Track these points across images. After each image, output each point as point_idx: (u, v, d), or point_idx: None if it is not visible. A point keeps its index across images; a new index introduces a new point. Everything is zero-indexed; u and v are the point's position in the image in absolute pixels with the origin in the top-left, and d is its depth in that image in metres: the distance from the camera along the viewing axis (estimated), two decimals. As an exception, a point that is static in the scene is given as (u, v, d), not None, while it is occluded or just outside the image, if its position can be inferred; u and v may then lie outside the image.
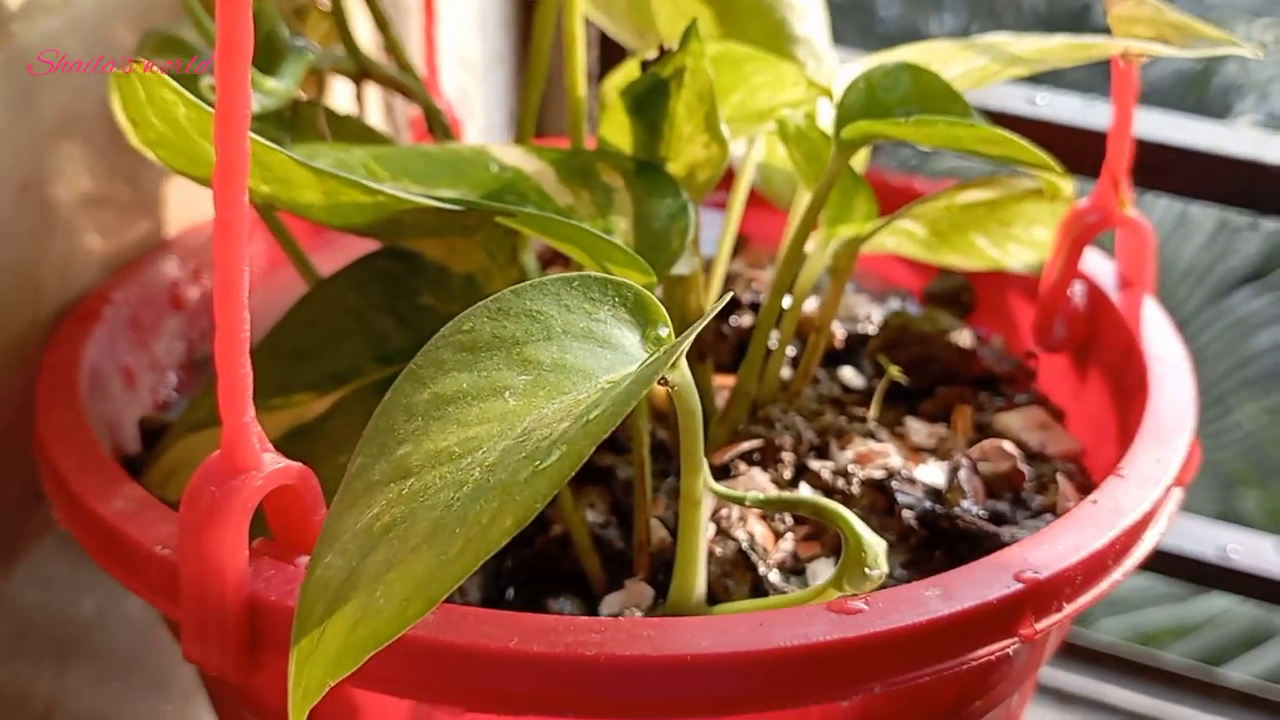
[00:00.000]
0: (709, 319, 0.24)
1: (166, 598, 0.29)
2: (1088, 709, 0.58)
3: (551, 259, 0.47)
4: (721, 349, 0.44)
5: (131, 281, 0.41)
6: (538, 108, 0.42)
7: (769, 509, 0.33)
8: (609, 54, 0.59)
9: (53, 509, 0.33)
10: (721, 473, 0.36)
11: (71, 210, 0.41)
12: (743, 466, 0.36)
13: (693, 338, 0.24)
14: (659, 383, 0.26)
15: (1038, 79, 0.44)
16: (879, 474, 0.36)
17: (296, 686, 0.23)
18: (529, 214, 0.32)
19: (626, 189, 0.36)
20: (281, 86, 0.36)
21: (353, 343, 0.35)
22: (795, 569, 0.34)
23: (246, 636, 0.27)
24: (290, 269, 0.40)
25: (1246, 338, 1.67)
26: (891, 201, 0.42)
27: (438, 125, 0.42)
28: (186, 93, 0.29)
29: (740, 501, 0.31)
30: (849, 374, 0.42)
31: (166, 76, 0.28)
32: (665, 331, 0.27)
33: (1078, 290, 0.41)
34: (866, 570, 0.29)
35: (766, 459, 0.37)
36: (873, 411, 0.39)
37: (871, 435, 0.38)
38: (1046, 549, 0.29)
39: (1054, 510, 0.35)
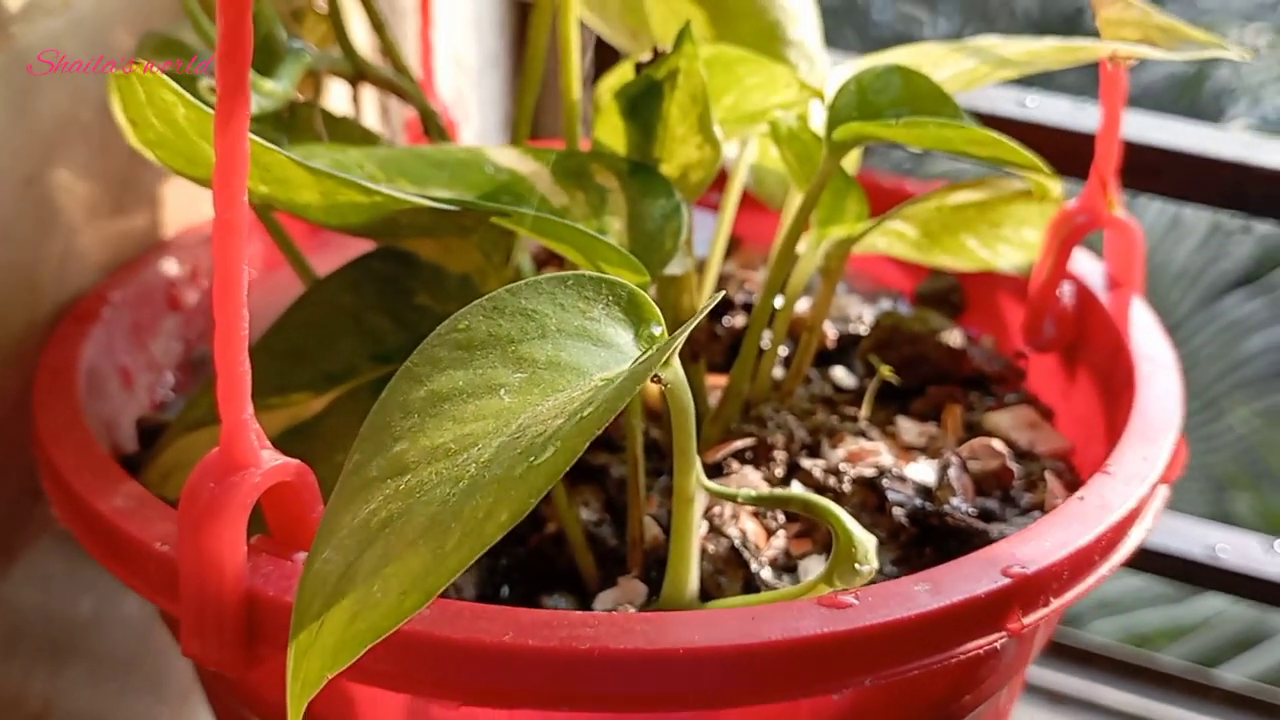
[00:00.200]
0: (701, 317, 0.25)
1: (165, 594, 0.29)
2: (1080, 710, 0.59)
3: (546, 259, 0.47)
4: (714, 349, 0.44)
5: (129, 282, 0.42)
6: (533, 110, 0.42)
7: (761, 506, 0.34)
8: (603, 57, 0.60)
9: (52, 507, 0.34)
10: (714, 471, 0.36)
11: (70, 210, 0.41)
12: (735, 465, 0.37)
13: (685, 336, 0.25)
14: (652, 381, 0.26)
15: (1028, 81, 0.44)
16: (870, 472, 0.36)
17: (295, 680, 0.23)
18: (524, 215, 0.32)
19: (621, 190, 0.37)
20: (279, 88, 0.37)
21: (349, 342, 0.36)
22: (787, 566, 0.34)
23: (244, 632, 0.27)
24: (287, 269, 0.40)
25: (1239, 341, 1.67)
26: (883, 203, 0.42)
27: (433, 127, 0.43)
28: (186, 93, 0.29)
29: (732, 498, 0.31)
30: (841, 373, 0.43)
31: (166, 77, 0.29)
32: (658, 330, 0.28)
33: (1067, 290, 0.42)
34: (857, 566, 0.29)
35: (759, 457, 0.37)
36: (864, 411, 0.40)
37: (863, 434, 0.39)
38: (1034, 545, 0.30)
39: (1043, 508, 0.36)
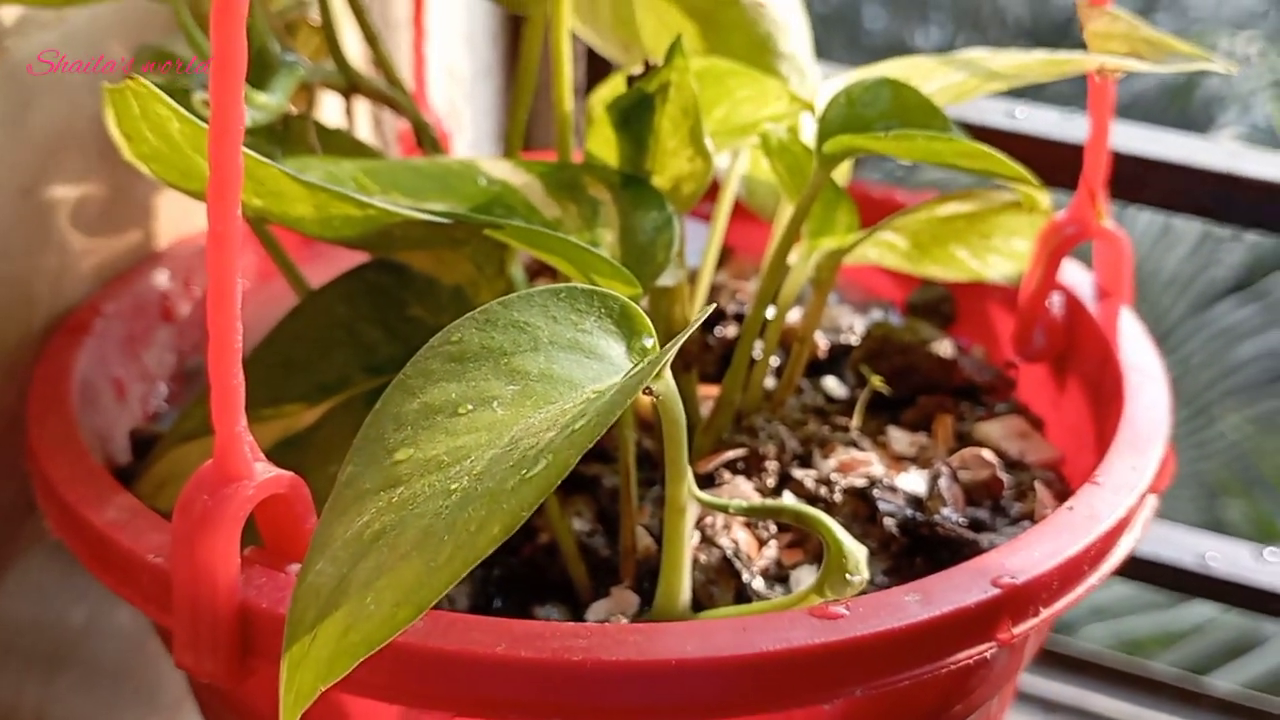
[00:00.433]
0: (693, 329, 0.25)
1: (159, 606, 0.29)
2: (1072, 717, 0.59)
3: (538, 270, 0.48)
4: (706, 359, 0.44)
5: (122, 293, 0.42)
6: (525, 122, 0.43)
7: (753, 517, 0.34)
8: (595, 69, 0.60)
9: (45, 519, 0.34)
10: (706, 481, 0.37)
11: (64, 223, 0.41)
12: (727, 475, 0.37)
13: (677, 348, 0.25)
14: (644, 392, 0.26)
15: (1017, 92, 0.45)
16: (861, 482, 0.36)
17: (288, 692, 0.23)
18: (517, 227, 0.32)
19: (613, 202, 0.37)
20: (273, 101, 0.37)
21: (342, 354, 0.36)
22: (779, 576, 0.34)
23: (238, 644, 0.27)
24: (280, 281, 0.40)
25: (1230, 348, 1.68)
26: (874, 214, 0.42)
27: (426, 139, 0.43)
28: (180, 108, 0.29)
29: (724, 509, 0.32)
30: (832, 384, 0.43)
31: (160, 91, 0.29)
32: (650, 342, 0.28)
33: (1056, 301, 0.42)
34: (848, 576, 0.29)
35: (750, 468, 0.37)
36: (855, 421, 0.40)
37: (854, 444, 0.39)
38: (1024, 555, 0.30)
39: (1032, 517, 0.36)
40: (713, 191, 0.43)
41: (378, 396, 0.35)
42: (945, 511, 0.35)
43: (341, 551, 0.24)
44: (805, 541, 0.35)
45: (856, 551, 0.30)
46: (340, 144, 0.41)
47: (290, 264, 0.40)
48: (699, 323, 0.25)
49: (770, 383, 0.42)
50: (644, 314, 0.28)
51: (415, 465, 0.25)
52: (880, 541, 0.35)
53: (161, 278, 0.43)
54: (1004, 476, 0.37)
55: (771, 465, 0.37)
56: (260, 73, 0.41)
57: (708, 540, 0.34)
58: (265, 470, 0.28)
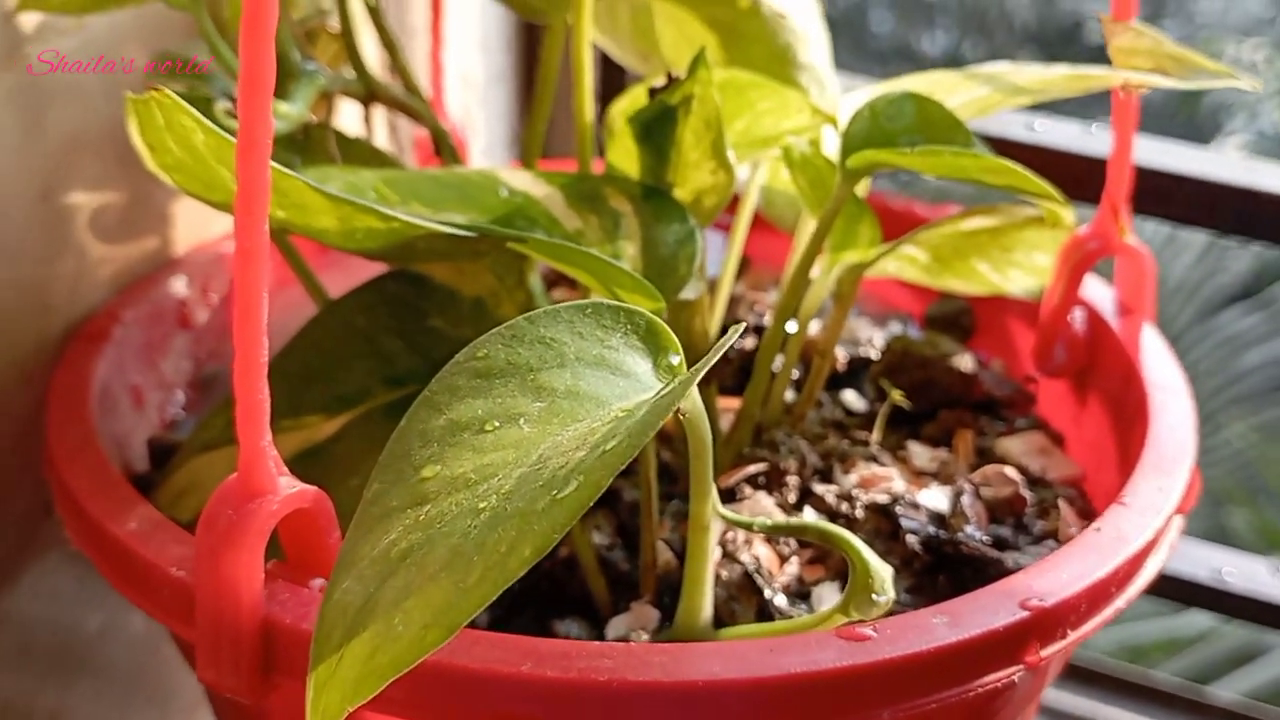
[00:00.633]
0: (721, 354, 0.25)
1: (181, 620, 0.29)
2: (1077, 727, 0.59)
3: (555, 280, 0.47)
4: (725, 371, 0.44)
5: (140, 300, 0.42)
6: (544, 132, 0.43)
7: (777, 534, 0.34)
8: (610, 75, 0.60)
9: (65, 529, 0.34)
10: (727, 496, 0.36)
11: (81, 228, 0.41)
12: (748, 490, 0.37)
13: (705, 371, 0.25)
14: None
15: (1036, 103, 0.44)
16: (883, 498, 0.36)
17: (314, 712, 0.23)
18: (540, 241, 0.32)
19: (634, 214, 0.37)
20: (294, 111, 0.37)
21: (362, 365, 0.36)
22: (800, 592, 0.34)
23: (260, 659, 0.27)
24: (298, 287, 0.40)
25: (1237, 355, 1.68)
26: (893, 225, 0.42)
27: (445, 148, 0.43)
28: (205, 120, 0.29)
29: (748, 527, 0.31)
30: (851, 397, 0.43)
31: (185, 103, 0.29)
32: (677, 360, 0.28)
33: (1078, 316, 0.42)
34: (874, 597, 0.29)
35: (771, 482, 0.37)
36: (875, 435, 0.40)
37: (874, 459, 0.39)
38: (1051, 577, 0.30)
39: (1055, 535, 0.36)
40: (732, 202, 0.43)
41: (397, 408, 0.35)
42: (968, 529, 0.35)
43: (368, 570, 0.24)
44: (827, 558, 0.35)
45: (882, 571, 0.29)
46: (359, 153, 0.40)
47: (309, 273, 0.39)
48: (728, 345, 0.25)
49: (789, 395, 0.42)
50: (669, 331, 0.28)
51: (442, 483, 0.25)
52: (903, 559, 0.35)
53: (179, 284, 0.43)
54: (1026, 494, 0.37)
55: (792, 480, 0.37)
56: (281, 81, 0.41)
57: (729, 556, 0.34)
58: (289, 485, 0.27)
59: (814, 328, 0.45)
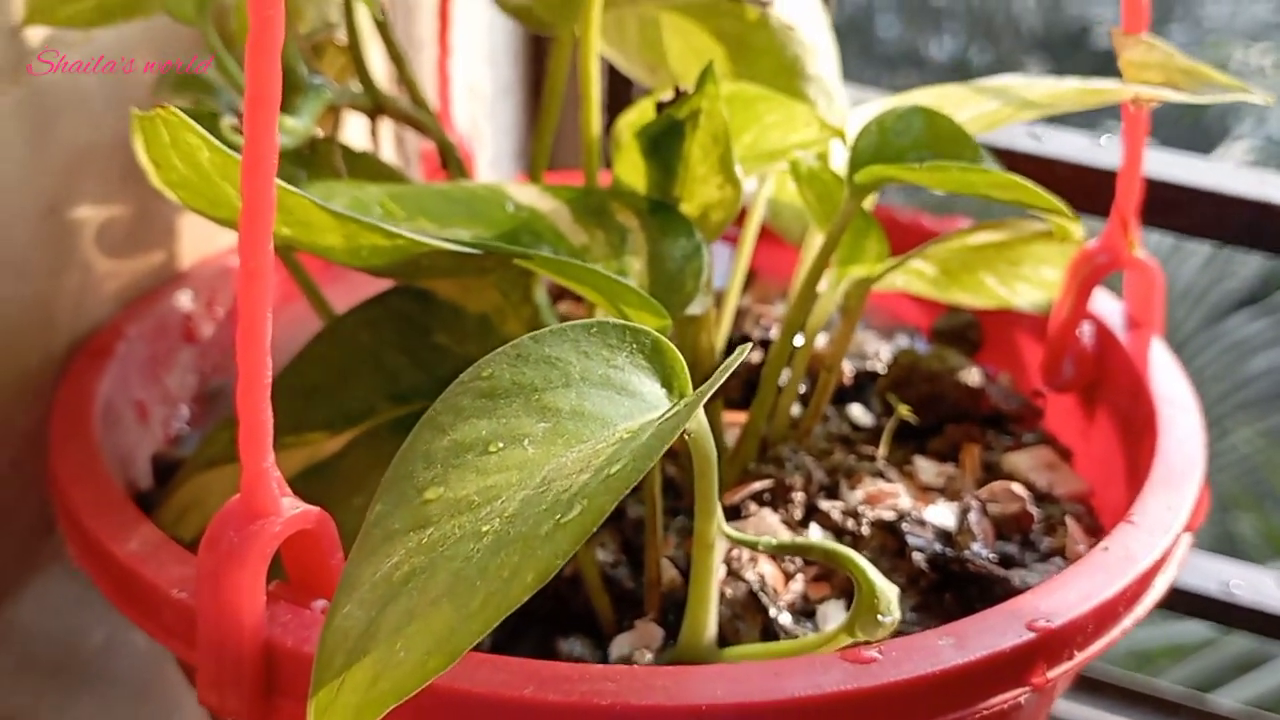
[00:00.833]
0: (726, 376, 0.25)
1: (182, 641, 0.29)
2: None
3: (561, 294, 0.47)
4: (731, 385, 0.44)
5: (145, 315, 0.42)
6: (550, 145, 0.42)
7: (783, 554, 0.34)
8: (617, 87, 0.60)
9: (68, 547, 0.34)
10: (732, 513, 0.36)
11: (86, 243, 0.41)
12: (753, 506, 0.36)
13: (711, 393, 0.24)
14: (676, 431, 0.26)
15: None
16: (889, 515, 0.36)
17: (316, 737, 0.23)
18: (546, 258, 0.32)
19: (641, 229, 0.36)
20: (300, 125, 0.36)
21: (367, 381, 0.35)
22: (806, 610, 0.34)
23: (262, 682, 0.27)
24: (304, 302, 0.40)
25: (1243, 361, 1.67)
26: (900, 238, 0.42)
27: (452, 161, 0.42)
28: (211, 137, 0.29)
29: (754, 546, 0.31)
30: (858, 411, 0.43)
31: (190, 120, 0.29)
32: (682, 378, 0.28)
33: (1086, 330, 0.42)
34: (879, 617, 0.29)
35: (777, 499, 0.37)
36: (882, 450, 0.40)
37: (881, 474, 0.38)
38: (1059, 597, 0.29)
39: (1063, 552, 0.35)
40: (739, 215, 0.43)
41: (402, 425, 0.35)
42: (975, 547, 0.35)
43: (370, 594, 0.24)
44: (832, 575, 0.35)
45: (888, 591, 0.29)
46: (366, 167, 0.40)
47: (314, 288, 0.39)
48: (733, 367, 0.25)
49: (796, 410, 0.42)
50: (676, 350, 0.28)
51: (445, 505, 0.25)
52: (909, 576, 0.34)
53: (184, 299, 0.43)
54: (1033, 510, 0.36)
55: (798, 497, 0.37)
56: (288, 95, 0.41)
57: (734, 574, 0.34)
58: (292, 506, 0.27)
59: (820, 341, 0.45)
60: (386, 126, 0.51)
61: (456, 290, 0.36)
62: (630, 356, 0.28)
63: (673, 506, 0.37)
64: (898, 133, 0.36)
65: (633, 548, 0.36)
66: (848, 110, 0.44)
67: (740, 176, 0.36)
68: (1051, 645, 0.28)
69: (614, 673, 0.27)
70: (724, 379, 0.25)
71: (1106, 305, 0.42)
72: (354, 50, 0.41)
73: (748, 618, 0.33)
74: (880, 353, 0.45)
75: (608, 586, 0.35)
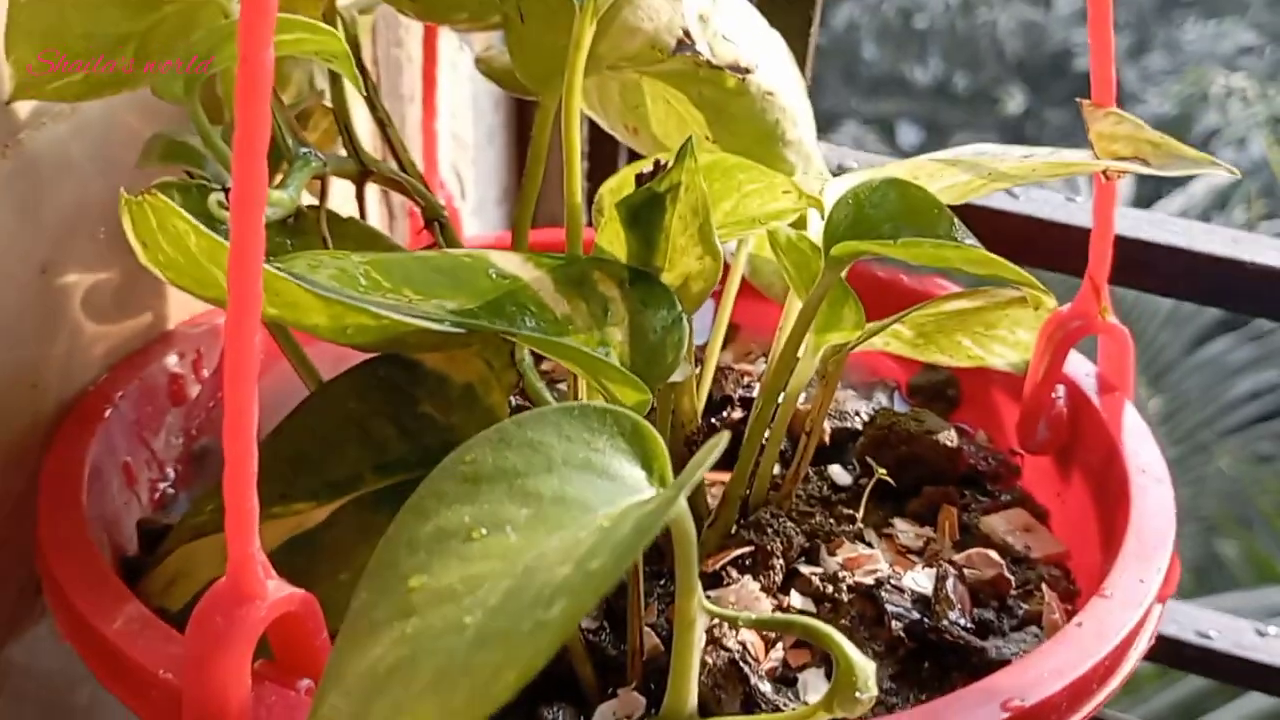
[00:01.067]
0: (705, 469, 0.25)
1: (169, 721, 0.29)
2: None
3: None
4: (712, 443, 0.45)
5: (132, 378, 0.42)
6: (533, 208, 0.43)
7: (763, 629, 0.34)
8: (598, 138, 0.60)
9: (55, 622, 0.34)
10: (713, 579, 0.37)
11: (76, 308, 0.41)
12: (734, 573, 0.37)
13: (690, 488, 0.25)
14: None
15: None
16: (868, 580, 0.37)
17: (301, 829, 0.23)
18: (531, 336, 0.32)
19: (622, 299, 0.37)
20: (287, 197, 0.37)
21: (353, 451, 0.36)
22: (786, 678, 0.34)
23: (249, 764, 0.27)
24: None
25: (1227, 384, 1.68)
26: (878, 295, 0.43)
27: (438, 226, 0.43)
28: (198, 224, 0.29)
29: (734, 621, 0.32)
30: (837, 471, 0.43)
31: (178, 207, 0.29)
32: (661, 460, 0.28)
33: (1060, 393, 0.42)
34: (857, 694, 0.29)
35: (758, 565, 0.37)
36: (860, 513, 0.40)
37: (860, 537, 0.39)
38: (1032, 674, 0.30)
39: (1039, 619, 0.36)
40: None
41: (387, 496, 0.36)
42: (953, 615, 0.35)
43: (355, 686, 0.24)
44: (813, 643, 0.35)
45: (866, 668, 0.30)
46: (351, 232, 0.41)
47: (302, 355, 0.40)
48: (708, 463, 0.25)
49: (776, 469, 0.42)
50: (655, 434, 0.28)
51: (428, 594, 0.25)
52: (888, 644, 0.35)
53: (171, 359, 0.43)
54: (1010, 576, 0.37)
55: (778, 563, 0.37)
56: (274, 164, 0.42)
57: (715, 641, 0.35)
58: (277, 589, 0.28)
59: (799, 398, 0.45)
60: (373, 184, 0.52)
61: (442, 360, 0.37)
62: (611, 439, 0.28)
63: (654, 569, 0.38)
64: (873, 205, 0.37)
65: (615, 612, 0.37)
66: (825, 172, 0.45)
67: (720, 248, 0.37)
68: (1025, 722, 0.29)
69: (595, 755, 0.27)
70: (703, 471, 0.25)
71: (1080, 368, 0.43)
72: (341, 119, 0.42)
73: (729, 687, 0.34)
74: (859, 412, 0.46)
75: (591, 654, 0.35)
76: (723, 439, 0.27)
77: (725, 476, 0.40)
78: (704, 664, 0.34)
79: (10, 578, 0.41)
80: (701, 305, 0.38)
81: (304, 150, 0.39)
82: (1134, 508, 0.36)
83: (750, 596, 0.36)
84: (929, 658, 0.35)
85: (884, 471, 0.41)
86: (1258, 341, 1.69)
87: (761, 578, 0.37)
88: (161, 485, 0.42)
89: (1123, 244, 0.46)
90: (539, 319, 0.36)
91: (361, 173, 0.42)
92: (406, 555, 0.26)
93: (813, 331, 0.40)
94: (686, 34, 0.42)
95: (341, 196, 0.42)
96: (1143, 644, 0.33)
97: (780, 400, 0.40)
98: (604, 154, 0.61)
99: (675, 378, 0.36)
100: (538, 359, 0.47)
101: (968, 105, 2.96)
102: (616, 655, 0.36)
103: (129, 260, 0.43)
